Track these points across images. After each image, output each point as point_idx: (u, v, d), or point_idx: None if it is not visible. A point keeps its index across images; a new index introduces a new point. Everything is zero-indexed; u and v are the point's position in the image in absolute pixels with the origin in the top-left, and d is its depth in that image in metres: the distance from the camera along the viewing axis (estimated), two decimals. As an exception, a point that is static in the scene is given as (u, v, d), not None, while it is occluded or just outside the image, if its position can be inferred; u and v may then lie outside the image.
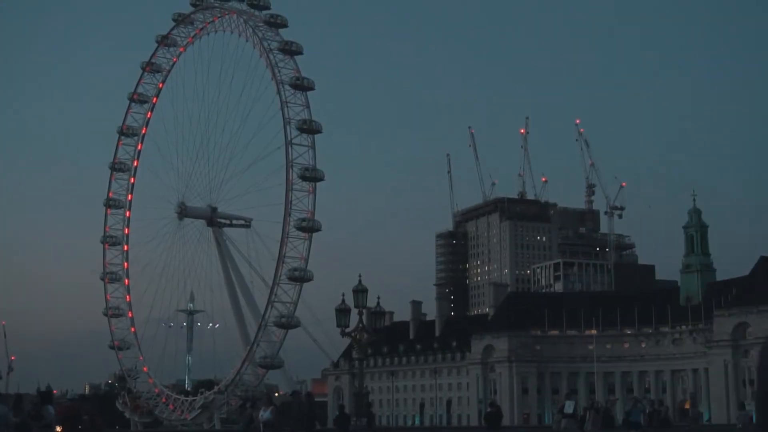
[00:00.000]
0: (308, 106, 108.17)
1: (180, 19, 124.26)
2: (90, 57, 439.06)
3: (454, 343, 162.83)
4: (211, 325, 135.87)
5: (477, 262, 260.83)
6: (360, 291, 38.64)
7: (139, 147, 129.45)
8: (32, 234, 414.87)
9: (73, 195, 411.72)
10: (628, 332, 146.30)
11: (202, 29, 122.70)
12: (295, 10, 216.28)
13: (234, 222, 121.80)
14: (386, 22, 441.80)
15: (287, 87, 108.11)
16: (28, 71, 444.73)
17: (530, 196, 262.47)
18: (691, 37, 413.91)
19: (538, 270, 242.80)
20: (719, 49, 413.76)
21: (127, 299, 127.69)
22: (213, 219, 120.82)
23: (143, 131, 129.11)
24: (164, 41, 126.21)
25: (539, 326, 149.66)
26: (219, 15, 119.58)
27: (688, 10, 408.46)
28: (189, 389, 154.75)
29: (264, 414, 32.62)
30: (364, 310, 38.96)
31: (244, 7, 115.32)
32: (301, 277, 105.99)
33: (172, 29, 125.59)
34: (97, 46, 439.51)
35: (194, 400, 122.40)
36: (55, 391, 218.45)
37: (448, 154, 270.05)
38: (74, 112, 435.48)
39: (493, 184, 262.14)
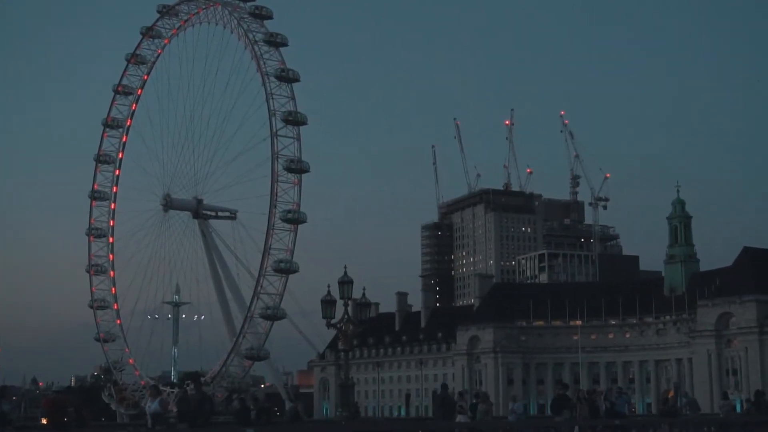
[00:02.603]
0: (293, 98, 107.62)
1: (165, 11, 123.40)
2: (75, 49, 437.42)
3: (440, 334, 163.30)
4: (197, 317, 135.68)
5: (462, 253, 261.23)
6: (345, 282, 38.78)
7: (124, 139, 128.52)
8: (18, 226, 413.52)
9: (59, 187, 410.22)
10: (613, 323, 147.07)
11: (186, 21, 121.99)
12: (280, 2, 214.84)
13: (220, 214, 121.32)
14: (371, 14, 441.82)
15: (272, 79, 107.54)
16: (10, 63, 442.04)
17: (515, 188, 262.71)
18: (675, 29, 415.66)
19: (523, 261, 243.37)
20: (703, 41, 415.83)
21: (113, 291, 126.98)
22: (199, 211, 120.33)
23: (128, 123, 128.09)
24: (149, 33, 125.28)
25: (524, 317, 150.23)
26: (204, 6, 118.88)
27: (671, 1, 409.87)
28: (175, 381, 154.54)
29: (152, 405, 31.35)
30: (349, 302, 39.09)
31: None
32: (286, 269, 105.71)
33: (156, 21, 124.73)
34: (82, 39, 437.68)
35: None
36: (41, 383, 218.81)
37: (433, 146, 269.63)
38: (59, 104, 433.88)
39: (478, 175, 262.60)
